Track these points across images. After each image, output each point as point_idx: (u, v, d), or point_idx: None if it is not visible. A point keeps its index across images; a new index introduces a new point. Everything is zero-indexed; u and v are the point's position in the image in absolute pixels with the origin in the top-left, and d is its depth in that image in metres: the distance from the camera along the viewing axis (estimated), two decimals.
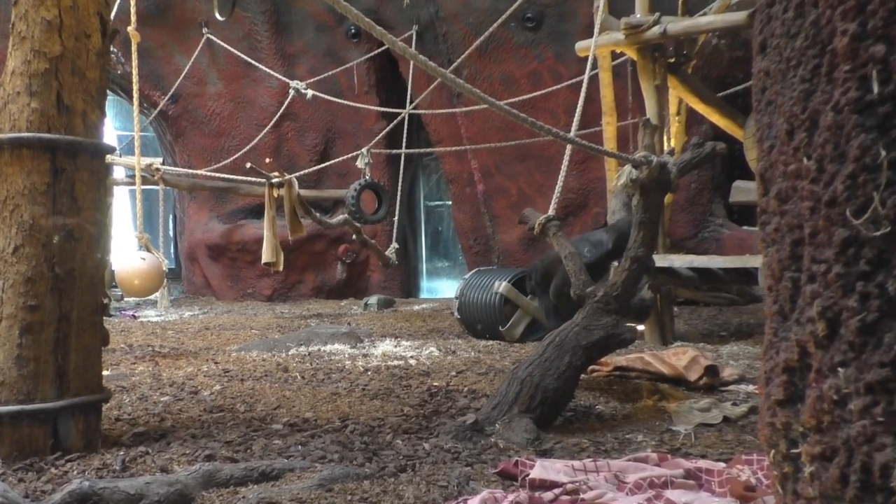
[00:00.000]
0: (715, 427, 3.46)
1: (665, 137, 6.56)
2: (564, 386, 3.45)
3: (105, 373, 4.89)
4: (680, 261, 6.23)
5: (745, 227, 9.59)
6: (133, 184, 8.85)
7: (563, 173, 4.84)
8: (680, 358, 4.57)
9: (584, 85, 5.61)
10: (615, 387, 4.40)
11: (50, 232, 2.90)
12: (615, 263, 4.24)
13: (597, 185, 10.15)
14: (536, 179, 10.85)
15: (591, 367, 4.62)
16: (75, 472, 2.72)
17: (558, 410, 3.49)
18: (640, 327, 6.20)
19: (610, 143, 6.63)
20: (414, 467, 2.79)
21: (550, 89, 9.29)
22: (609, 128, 6.64)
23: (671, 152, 4.30)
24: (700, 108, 6.72)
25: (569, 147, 4.92)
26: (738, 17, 5.79)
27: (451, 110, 10.64)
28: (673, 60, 6.42)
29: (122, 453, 2.94)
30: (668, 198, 6.71)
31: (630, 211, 3.94)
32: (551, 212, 4.33)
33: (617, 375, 4.72)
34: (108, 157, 9.58)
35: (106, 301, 2.68)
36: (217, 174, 10.02)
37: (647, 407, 3.85)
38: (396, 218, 10.28)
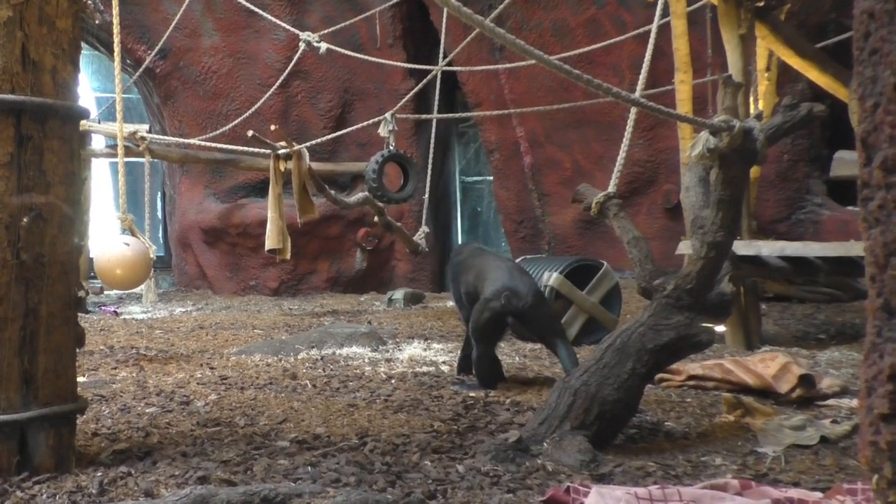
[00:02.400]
0: (810, 449, 3.43)
1: (751, 98, 6.48)
2: (626, 397, 3.43)
3: (80, 379, 4.96)
4: (769, 248, 6.17)
5: (849, 208, 9.47)
6: (114, 155, 8.94)
7: (626, 142, 4.81)
8: (768, 365, 4.53)
9: (653, 35, 5.55)
10: (689, 399, 4.37)
11: (14, 212, 2.93)
12: (688, 252, 4.20)
13: (668, 156, 10.08)
14: (594, 149, 10.80)
15: (659, 376, 4.60)
16: (45, 496, 2.77)
17: (619, 427, 3.48)
18: (720, 328, 6.16)
19: (684, 105, 6.56)
20: (445, 493, 2.80)
21: (612, 41, 9.22)
22: (683, 87, 6.58)
23: (758, 116, 4.25)
24: (794, 62, 6.63)
25: (633, 110, 4.88)
26: None
27: (492, 66, 10.61)
28: (762, 4, 6.34)
29: (99, 474, 2.98)
30: (754, 171, 6.64)
31: (707, 187, 3.91)
32: (611, 188, 4.30)
33: (691, 386, 4.70)
34: (84, 124, 9.70)
35: (82, 294, 2.72)
36: (213, 144, 10.09)
37: (728, 424, 3.83)
38: (427, 196, 10.28)
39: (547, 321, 4.95)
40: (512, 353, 6.15)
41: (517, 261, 7.20)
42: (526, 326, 5.00)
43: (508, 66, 10.23)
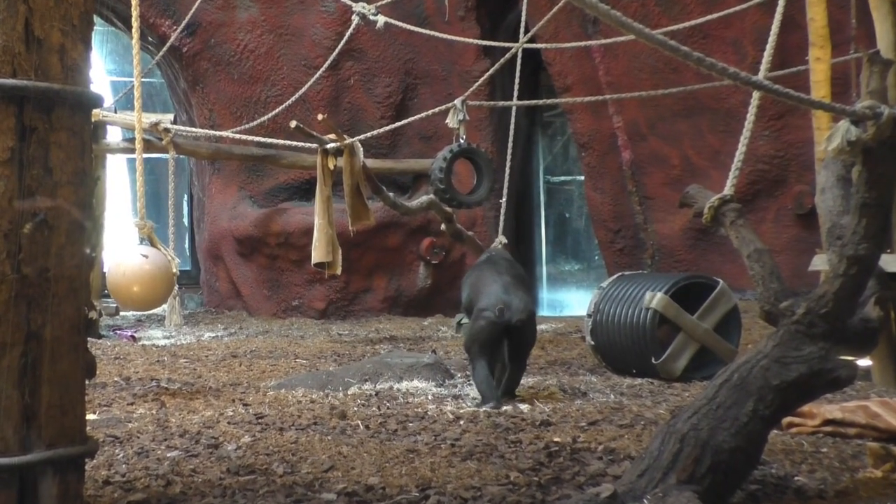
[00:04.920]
0: None
1: None
2: (746, 445, 3.38)
3: (91, 416, 5.04)
4: None
5: None
6: (133, 151, 9.07)
7: (747, 134, 4.76)
8: None
9: (781, 3, 5.50)
10: (824, 449, 4.31)
11: (15, 217, 2.96)
12: (824, 268, 4.14)
13: (799, 150, 9.95)
14: (709, 143, 10.71)
15: (787, 420, 4.54)
16: None
17: (737, 481, 3.43)
18: (864, 361, 6.05)
19: (820, 88, 6.49)
20: None
21: (731, 10, 9.13)
22: (819, 66, 6.51)
23: None
24: None
25: (757, 95, 4.82)
26: None
27: (583, 43, 10.57)
28: None
29: None
30: None
31: (847, 188, 3.84)
32: (728, 190, 4.26)
33: (827, 432, 4.63)
34: (98, 113, 9.90)
35: (93, 315, 2.75)
36: (250, 137, 10.22)
37: (874, 481, 3.76)
38: (504, 200, 10.25)
39: (529, 343, 6.06)
40: (606, 391, 6.12)
41: (613, 279, 7.18)
42: (510, 342, 5.90)
43: (604, 42, 10.19)
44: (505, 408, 5.46)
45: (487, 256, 6.71)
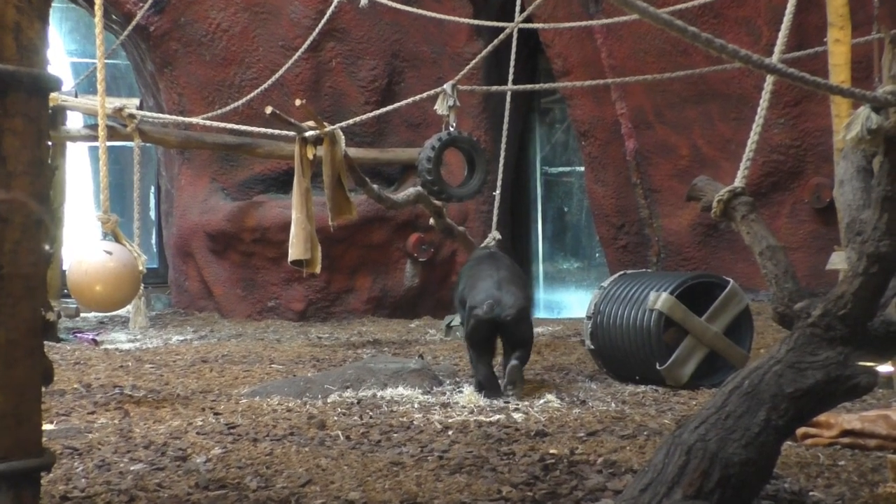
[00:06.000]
0: None
1: None
2: (758, 458, 3.39)
3: (48, 426, 5.03)
4: None
5: None
6: (95, 138, 9.06)
7: (760, 121, 4.77)
8: None
9: None
10: (842, 462, 4.32)
11: None
12: (842, 267, 4.15)
13: (817, 139, 9.97)
14: (720, 131, 10.72)
15: (802, 430, 4.55)
16: None
17: (748, 497, 3.43)
18: (885, 367, 6.06)
19: (839, 71, 6.50)
20: None
21: None
22: (838, 48, 6.51)
23: None
24: None
25: (771, 79, 4.83)
26: None
27: (584, 23, 10.58)
28: None
29: None
30: None
31: (868, 180, 3.85)
32: (739, 182, 4.27)
33: (845, 444, 4.64)
34: (56, 97, 9.87)
35: (51, 317, 2.75)
36: (223, 124, 10.20)
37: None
38: (498, 192, 10.27)
39: (525, 338, 6.48)
40: (607, 398, 6.12)
41: (615, 277, 7.18)
42: (504, 338, 6.47)
43: (606, 21, 10.21)
44: (497, 417, 5.47)
45: (489, 251, 7.46)
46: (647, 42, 10.79)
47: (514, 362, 6.28)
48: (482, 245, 9.59)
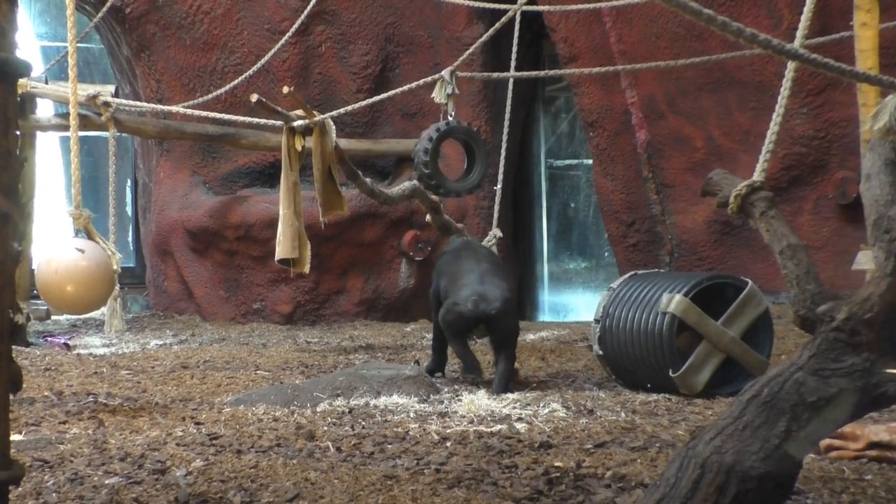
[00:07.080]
0: None
1: None
2: (778, 472, 3.40)
3: (16, 437, 5.03)
4: None
5: None
6: (66, 128, 9.07)
7: (780, 111, 4.78)
8: None
9: None
10: (869, 477, 4.32)
11: None
12: (869, 267, 4.16)
13: (842, 130, 9.97)
14: (738, 122, 10.73)
15: (826, 442, 4.55)
16: None
17: None
18: None
19: (866, 58, 6.51)
20: None
21: None
22: (866, 32, 6.53)
23: None
24: None
25: (792, 66, 4.84)
26: None
27: (592, 5, 10.59)
28: None
29: None
30: None
31: (894, 173, 3.87)
32: (758, 176, 4.28)
33: (872, 457, 4.63)
34: (25, 83, 9.87)
35: (19, 319, 2.74)
36: (205, 113, 10.20)
37: None
38: (499, 187, 10.29)
39: (511, 333, 6.89)
40: (616, 408, 6.12)
41: (624, 278, 7.19)
42: (490, 334, 6.88)
43: (616, 3, 10.22)
44: (498, 427, 5.47)
45: (465, 240, 7.87)
46: (659, 26, 10.79)
47: (504, 369, 6.76)
48: (484, 242, 9.63)
